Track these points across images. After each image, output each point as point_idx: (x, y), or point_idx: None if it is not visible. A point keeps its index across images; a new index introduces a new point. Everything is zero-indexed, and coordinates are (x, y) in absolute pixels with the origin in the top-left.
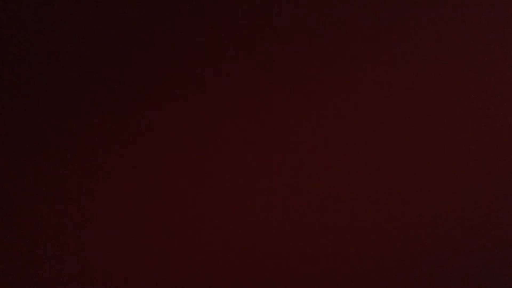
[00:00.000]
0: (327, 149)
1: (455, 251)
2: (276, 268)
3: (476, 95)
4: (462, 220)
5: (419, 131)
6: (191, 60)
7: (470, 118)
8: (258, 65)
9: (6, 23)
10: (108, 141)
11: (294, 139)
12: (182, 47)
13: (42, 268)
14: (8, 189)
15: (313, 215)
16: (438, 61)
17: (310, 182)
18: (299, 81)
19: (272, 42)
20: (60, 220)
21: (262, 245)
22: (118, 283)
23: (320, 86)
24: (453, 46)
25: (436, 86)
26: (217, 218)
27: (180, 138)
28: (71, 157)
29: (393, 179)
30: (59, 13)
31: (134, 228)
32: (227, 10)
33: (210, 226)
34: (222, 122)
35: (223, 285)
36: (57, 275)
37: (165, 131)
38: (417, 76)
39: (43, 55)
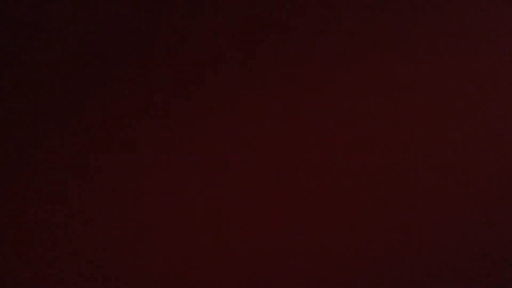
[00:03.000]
0: (329, 148)
1: (454, 251)
2: (278, 268)
3: (477, 95)
4: (461, 220)
5: (417, 131)
6: (192, 60)
7: (469, 117)
8: (259, 65)
9: (4, 23)
10: (109, 141)
11: (295, 139)
12: (183, 47)
13: (42, 268)
14: (7, 189)
15: (313, 214)
16: (438, 60)
17: (311, 182)
18: (300, 81)
19: (272, 43)
20: (60, 220)
21: (264, 244)
22: (118, 284)
23: (321, 87)
24: (452, 45)
25: (436, 85)
26: (218, 218)
27: (181, 138)
28: (72, 157)
29: (392, 179)
30: (58, 12)
31: (134, 228)
32: (227, 10)
33: (211, 226)
34: (223, 123)
35: (223, 285)
36: (57, 275)
37: (166, 131)
38: (416, 76)
39: (43, 55)
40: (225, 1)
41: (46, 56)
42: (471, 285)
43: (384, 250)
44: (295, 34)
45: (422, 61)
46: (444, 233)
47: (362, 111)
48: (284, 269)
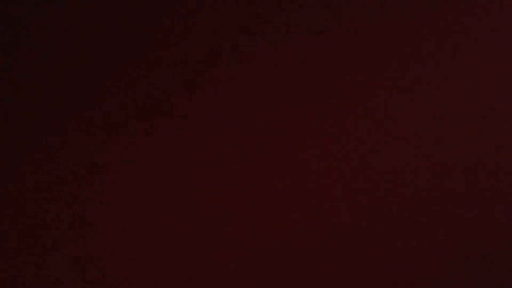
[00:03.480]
0: (326, 148)
1: (454, 250)
2: (277, 267)
3: (474, 95)
4: (460, 219)
5: (415, 131)
6: (188, 59)
7: (467, 117)
8: (257, 64)
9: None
10: (108, 140)
11: (292, 138)
12: (179, 48)
13: (41, 268)
14: (7, 189)
15: (311, 213)
16: (434, 61)
17: (308, 181)
18: (296, 81)
19: (271, 42)
20: (59, 220)
21: (262, 245)
22: (117, 284)
23: (318, 86)
24: (450, 45)
25: (433, 86)
26: (217, 217)
27: (180, 138)
28: (72, 157)
29: (390, 179)
30: (57, 12)
31: (134, 228)
32: (223, 10)
33: (210, 226)
34: (221, 122)
35: (224, 284)
36: (56, 276)
37: (165, 132)
38: (414, 75)
39: (43, 54)
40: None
41: (45, 55)
42: (471, 285)
43: (383, 249)
44: (293, 33)
45: (420, 61)
46: (442, 233)
47: (360, 111)
48: (283, 268)
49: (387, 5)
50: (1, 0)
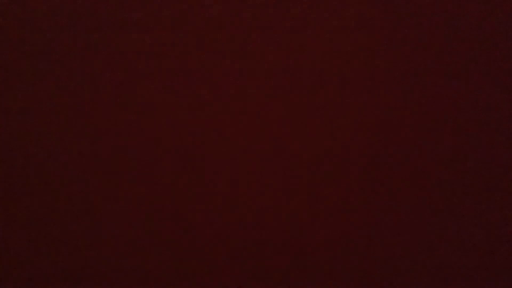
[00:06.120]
0: (320, 146)
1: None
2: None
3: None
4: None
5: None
6: None
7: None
8: None
9: None
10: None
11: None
12: None
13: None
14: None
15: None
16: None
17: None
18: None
19: None
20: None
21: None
22: (114, 281)
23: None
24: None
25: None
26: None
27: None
28: (64, 148)
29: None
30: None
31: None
32: None
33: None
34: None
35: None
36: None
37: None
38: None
39: (41, 48)
40: None
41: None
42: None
43: (379, 246)
44: None
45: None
46: (439, 231)
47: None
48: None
49: None
50: None
